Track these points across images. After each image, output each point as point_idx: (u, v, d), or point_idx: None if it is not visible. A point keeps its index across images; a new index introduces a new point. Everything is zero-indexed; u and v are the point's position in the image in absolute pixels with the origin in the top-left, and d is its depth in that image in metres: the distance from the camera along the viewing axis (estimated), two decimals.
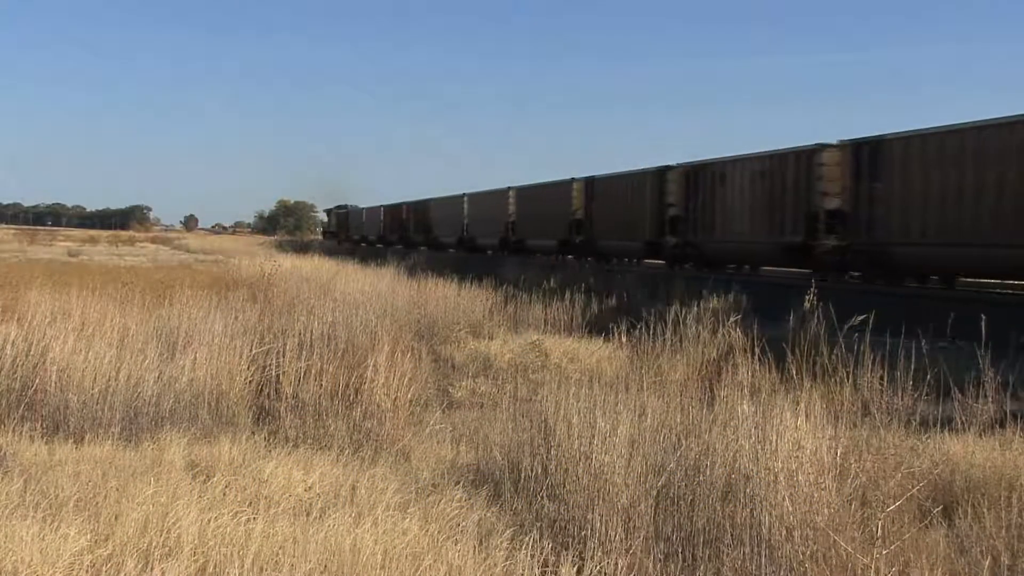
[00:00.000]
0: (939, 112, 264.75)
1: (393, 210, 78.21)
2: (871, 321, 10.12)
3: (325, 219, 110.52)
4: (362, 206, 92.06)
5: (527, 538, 5.94)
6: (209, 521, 5.76)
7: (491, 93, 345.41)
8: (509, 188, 52.27)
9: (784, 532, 5.83)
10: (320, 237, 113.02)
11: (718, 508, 6.10)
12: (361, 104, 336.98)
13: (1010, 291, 23.28)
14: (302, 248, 61.84)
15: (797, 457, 6.15)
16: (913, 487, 6.51)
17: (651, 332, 12.45)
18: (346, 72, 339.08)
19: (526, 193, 50.79)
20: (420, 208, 69.68)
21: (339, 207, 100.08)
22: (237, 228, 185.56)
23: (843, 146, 27.30)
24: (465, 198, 59.29)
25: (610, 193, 40.93)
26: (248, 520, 5.90)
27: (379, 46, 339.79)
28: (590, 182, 43.11)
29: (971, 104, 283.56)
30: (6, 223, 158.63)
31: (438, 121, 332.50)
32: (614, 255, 40.56)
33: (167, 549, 5.50)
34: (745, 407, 6.63)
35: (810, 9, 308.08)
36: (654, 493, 6.29)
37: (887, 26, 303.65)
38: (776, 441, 6.21)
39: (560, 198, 45.09)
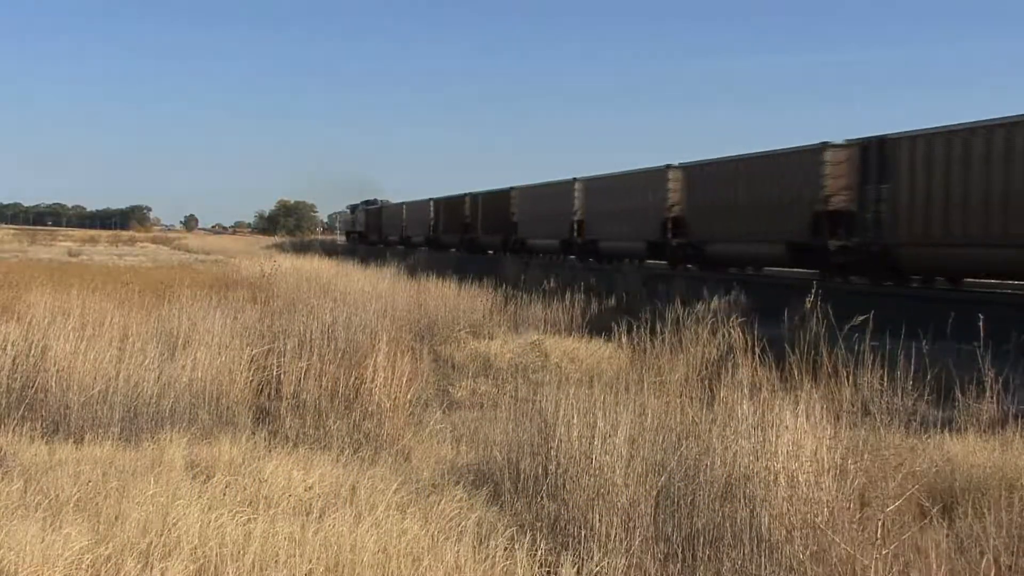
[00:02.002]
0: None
1: (449, 204, 60.50)
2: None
3: (327, 219, 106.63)
4: (395, 201, 78.20)
5: (527, 538, 5.94)
6: (209, 521, 5.76)
7: (493, 92, 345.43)
8: (668, 167, 36.25)
9: (784, 532, 5.83)
10: (320, 237, 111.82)
11: (718, 508, 6.10)
12: (362, 104, 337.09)
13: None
14: (304, 248, 60.40)
15: (797, 457, 6.15)
16: (913, 487, 6.51)
17: (651, 332, 12.44)
18: (346, 71, 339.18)
19: (702, 174, 34.42)
20: (495, 200, 52.38)
21: (367, 202, 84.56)
22: (237, 228, 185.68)
23: None
24: (577, 184, 43.15)
25: (914, 166, 23.62)
26: (248, 520, 5.90)
27: (379, 46, 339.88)
28: (868, 147, 25.70)
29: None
30: (6, 223, 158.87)
31: (442, 121, 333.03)
32: (943, 274, 24.18)
33: (167, 549, 5.50)
34: (745, 407, 6.63)
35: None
36: (654, 493, 6.29)
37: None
38: (776, 441, 6.22)
39: (787, 177, 28.74)
